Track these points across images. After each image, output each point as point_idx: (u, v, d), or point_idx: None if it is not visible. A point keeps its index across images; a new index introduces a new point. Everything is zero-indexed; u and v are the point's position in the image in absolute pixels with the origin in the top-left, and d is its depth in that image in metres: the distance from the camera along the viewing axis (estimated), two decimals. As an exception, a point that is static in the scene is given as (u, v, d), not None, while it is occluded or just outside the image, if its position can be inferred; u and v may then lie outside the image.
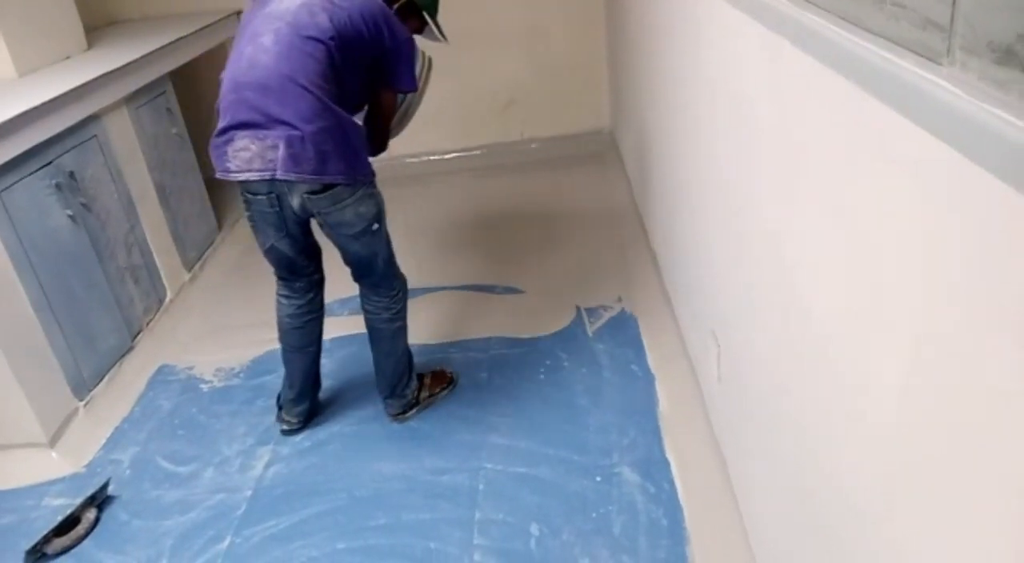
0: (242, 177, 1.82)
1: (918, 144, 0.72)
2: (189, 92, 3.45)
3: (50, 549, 1.89)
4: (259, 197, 1.87)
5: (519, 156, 3.88)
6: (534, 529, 1.79)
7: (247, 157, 1.79)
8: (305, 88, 1.76)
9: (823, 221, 1.00)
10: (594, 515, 1.81)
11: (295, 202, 1.85)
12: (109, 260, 2.53)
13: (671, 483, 1.86)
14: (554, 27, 3.68)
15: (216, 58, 3.64)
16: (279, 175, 1.78)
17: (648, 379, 2.23)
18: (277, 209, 1.88)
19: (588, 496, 1.86)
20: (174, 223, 2.98)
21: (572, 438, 2.05)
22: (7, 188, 2.10)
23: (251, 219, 1.96)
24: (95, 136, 2.53)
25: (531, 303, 2.70)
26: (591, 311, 2.59)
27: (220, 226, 3.41)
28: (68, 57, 2.84)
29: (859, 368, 0.93)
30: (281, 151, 1.76)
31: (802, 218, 1.08)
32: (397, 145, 3.87)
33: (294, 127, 1.75)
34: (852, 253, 0.92)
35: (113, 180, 2.61)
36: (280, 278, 2.11)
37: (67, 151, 2.38)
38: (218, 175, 1.87)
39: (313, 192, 1.83)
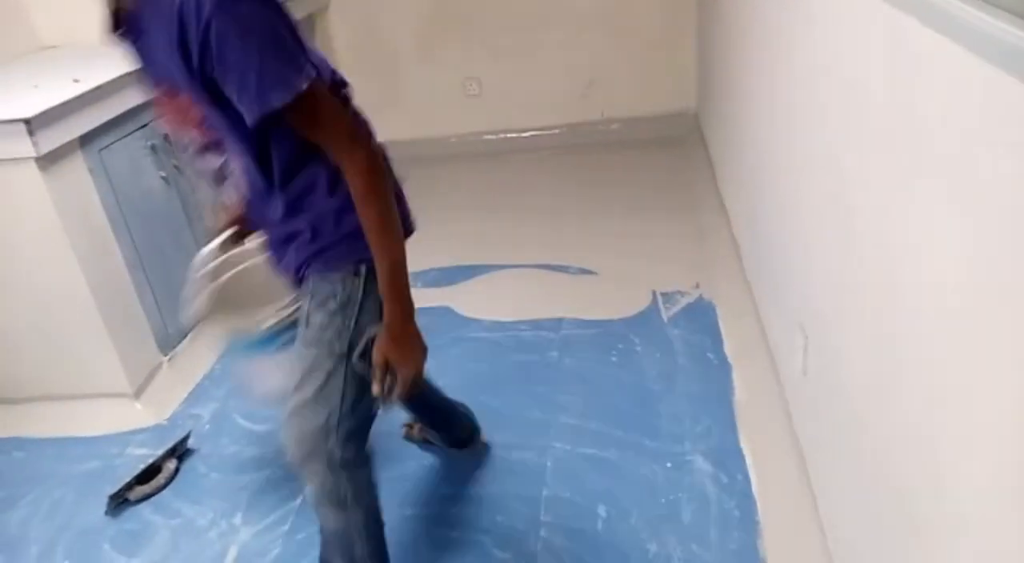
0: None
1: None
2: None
3: (132, 496, 1.97)
4: None
5: (599, 137, 3.83)
6: (601, 510, 1.78)
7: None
8: None
9: (940, 210, 0.95)
10: (663, 501, 1.78)
11: None
12: (197, 223, 2.60)
13: (744, 474, 1.82)
14: (639, 2, 3.59)
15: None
16: None
17: (724, 368, 2.18)
18: None
19: (658, 482, 1.84)
20: (258, 189, 3.04)
21: (643, 422, 2.02)
22: (107, 147, 2.18)
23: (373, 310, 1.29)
24: (188, 100, 2.59)
25: (605, 286, 2.67)
26: (667, 296, 2.54)
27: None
28: (165, 23, 2.92)
29: (970, 372, 0.88)
30: None
31: (916, 207, 1.02)
32: (473, 121, 3.87)
33: None
34: (971, 245, 0.86)
35: (203, 144, 2.68)
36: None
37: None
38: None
39: None
